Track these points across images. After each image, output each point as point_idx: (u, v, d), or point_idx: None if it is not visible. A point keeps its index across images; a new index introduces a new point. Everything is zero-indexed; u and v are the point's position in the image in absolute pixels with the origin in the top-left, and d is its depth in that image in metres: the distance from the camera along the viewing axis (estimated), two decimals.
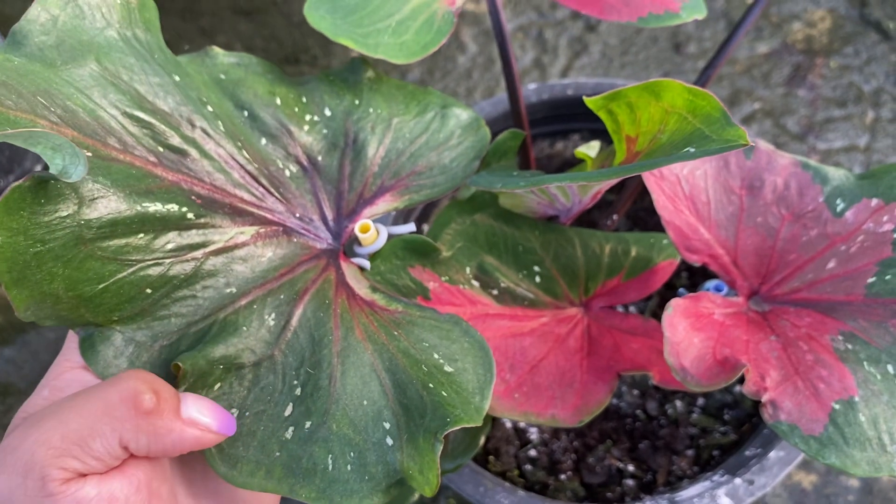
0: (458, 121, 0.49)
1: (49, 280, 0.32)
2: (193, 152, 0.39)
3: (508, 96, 0.56)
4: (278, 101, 0.46)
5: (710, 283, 0.51)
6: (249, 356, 0.34)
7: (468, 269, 0.48)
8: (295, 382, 0.34)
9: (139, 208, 0.34)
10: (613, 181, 0.44)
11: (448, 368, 0.38)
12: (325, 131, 0.47)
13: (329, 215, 0.44)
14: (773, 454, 0.55)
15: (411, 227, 0.51)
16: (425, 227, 0.71)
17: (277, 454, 0.32)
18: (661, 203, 0.45)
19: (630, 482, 0.61)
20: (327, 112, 0.48)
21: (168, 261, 0.36)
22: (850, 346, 0.41)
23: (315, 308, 0.38)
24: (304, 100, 0.48)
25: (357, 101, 0.48)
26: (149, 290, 0.35)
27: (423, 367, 0.37)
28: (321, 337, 0.37)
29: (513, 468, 0.62)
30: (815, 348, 0.42)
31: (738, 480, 0.54)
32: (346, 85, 0.49)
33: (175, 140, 0.38)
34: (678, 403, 0.64)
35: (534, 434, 0.63)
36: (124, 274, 0.34)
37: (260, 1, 1.16)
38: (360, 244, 0.45)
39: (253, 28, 1.13)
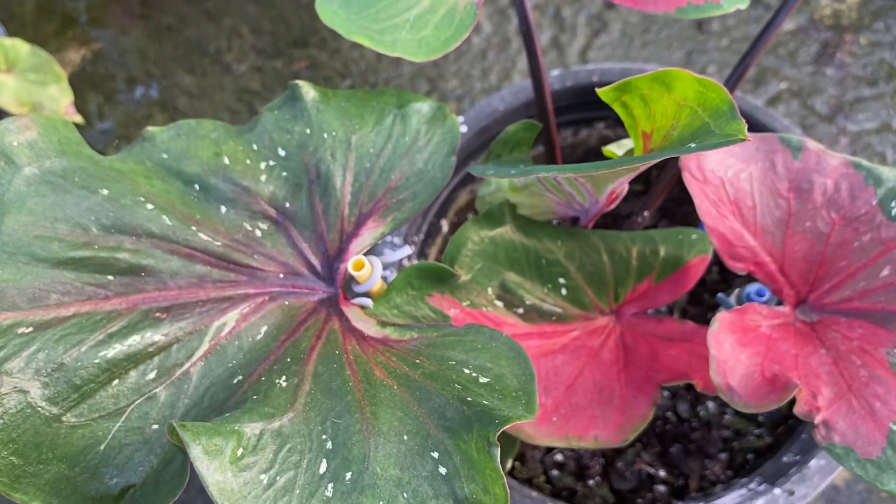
0: (420, 116, 0.45)
1: (44, 469, 0.30)
2: (147, 262, 0.37)
3: (534, 89, 0.53)
4: (226, 161, 0.43)
5: (752, 287, 0.49)
6: (267, 420, 0.32)
7: (490, 290, 0.45)
8: (324, 437, 0.32)
9: (97, 360, 0.32)
10: (624, 177, 0.41)
11: (483, 379, 0.35)
12: (284, 174, 0.43)
13: (316, 262, 0.41)
14: (813, 462, 0.52)
15: (405, 251, 0.48)
16: (444, 223, 0.68)
17: None
18: (704, 209, 0.42)
19: (661, 488, 0.59)
20: (281, 152, 0.44)
21: (157, 389, 0.34)
22: None
23: (326, 362, 0.36)
24: (255, 147, 0.44)
25: (308, 130, 0.45)
26: (155, 426, 0.33)
27: (457, 385, 0.35)
28: (339, 387, 0.34)
29: (539, 474, 0.60)
30: (869, 363, 0.39)
31: (777, 490, 0.52)
32: (291, 115, 0.45)
33: (122, 262, 0.36)
34: (710, 405, 0.62)
35: None
36: (119, 423, 0.32)
37: None
38: (357, 282, 0.43)
39: (260, 10, 1.09)
